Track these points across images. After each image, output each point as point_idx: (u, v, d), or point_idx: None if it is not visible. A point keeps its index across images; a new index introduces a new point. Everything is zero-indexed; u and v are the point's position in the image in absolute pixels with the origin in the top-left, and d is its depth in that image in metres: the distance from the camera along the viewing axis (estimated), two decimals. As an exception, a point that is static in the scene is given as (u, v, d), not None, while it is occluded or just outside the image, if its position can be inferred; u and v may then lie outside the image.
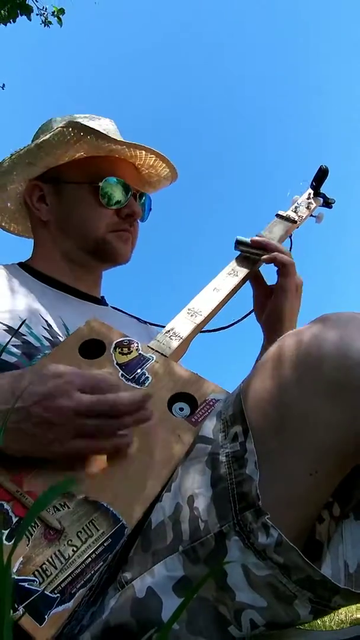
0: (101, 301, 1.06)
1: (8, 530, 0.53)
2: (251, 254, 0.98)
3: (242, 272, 0.95)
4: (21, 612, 0.47)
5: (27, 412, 0.57)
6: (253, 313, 1.04)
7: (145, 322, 1.11)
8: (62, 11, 4.69)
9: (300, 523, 0.52)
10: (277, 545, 0.47)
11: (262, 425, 0.53)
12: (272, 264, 0.95)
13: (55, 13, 4.62)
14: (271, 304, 0.96)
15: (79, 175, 0.96)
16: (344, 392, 0.49)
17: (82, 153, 0.94)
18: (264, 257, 0.94)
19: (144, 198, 1.03)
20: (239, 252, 0.99)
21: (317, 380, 0.50)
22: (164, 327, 0.84)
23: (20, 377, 0.61)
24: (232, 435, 0.55)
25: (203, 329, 0.90)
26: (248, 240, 0.98)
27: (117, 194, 0.95)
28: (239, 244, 0.98)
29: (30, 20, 4.40)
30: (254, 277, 1.00)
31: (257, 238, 0.98)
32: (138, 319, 1.11)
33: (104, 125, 0.99)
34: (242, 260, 0.98)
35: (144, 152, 0.98)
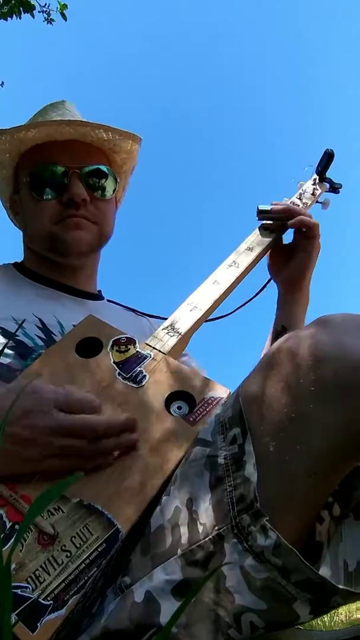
0: (97, 296, 1.04)
1: (2, 535, 0.52)
2: (275, 221, 0.97)
3: (247, 259, 0.92)
4: (13, 620, 0.46)
5: (5, 430, 0.56)
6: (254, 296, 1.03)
7: (142, 315, 1.09)
8: (64, 6, 4.67)
9: (299, 524, 0.52)
10: (276, 548, 0.47)
11: (261, 427, 0.53)
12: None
13: (59, 9, 4.60)
14: (295, 263, 0.96)
15: (24, 175, 0.93)
16: (343, 394, 0.49)
17: (6, 155, 0.92)
18: (290, 222, 0.94)
19: (93, 171, 0.93)
20: (256, 227, 0.97)
21: (317, 382, 0.50)
22: (162, 318, 0.82)
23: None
24: (231, 438, 0.54)
25: (212, 317, 0.89)
26: (269, 207, 0.97)
27: (48, 181, 0.89)
28: (261, 212, 0.97)
29: (33, 17, 4.37)
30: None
31: (279, 205, 0.96)
32: (135, 311, 1.09)
33: (48, 112, 0.95)
34: (258, 235, 0.97)
35: (72, 128, 0.89)
